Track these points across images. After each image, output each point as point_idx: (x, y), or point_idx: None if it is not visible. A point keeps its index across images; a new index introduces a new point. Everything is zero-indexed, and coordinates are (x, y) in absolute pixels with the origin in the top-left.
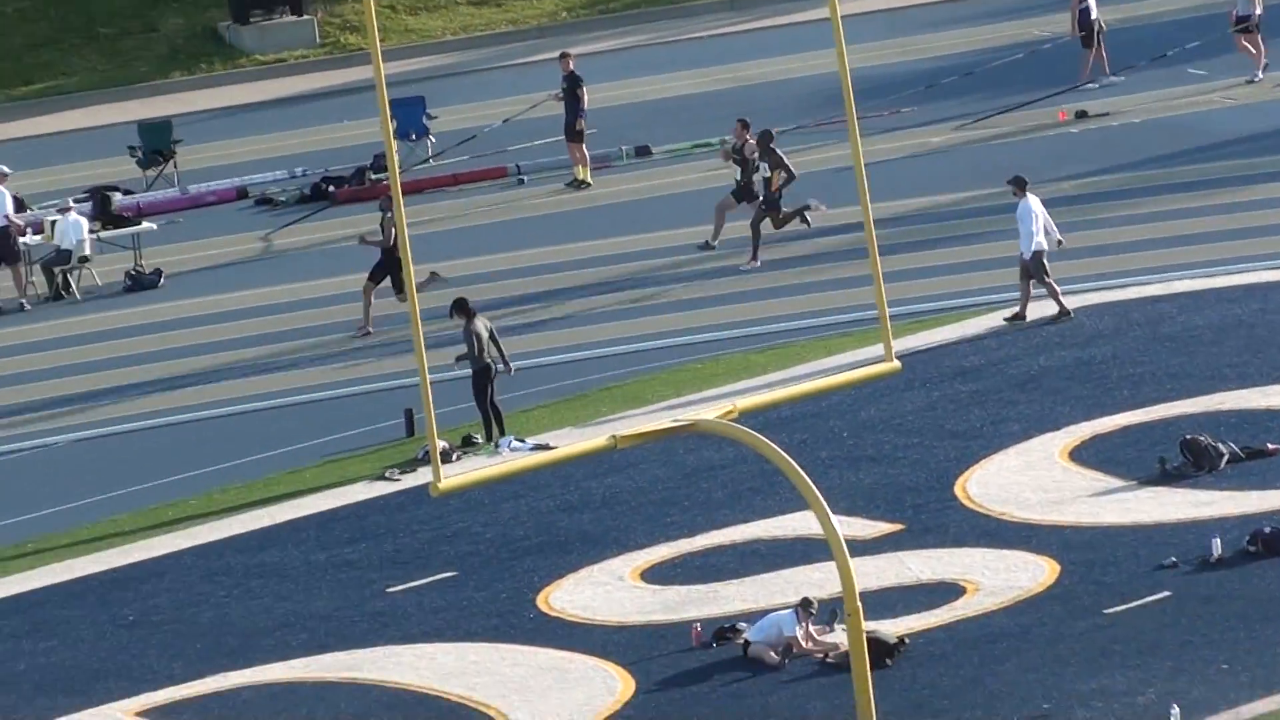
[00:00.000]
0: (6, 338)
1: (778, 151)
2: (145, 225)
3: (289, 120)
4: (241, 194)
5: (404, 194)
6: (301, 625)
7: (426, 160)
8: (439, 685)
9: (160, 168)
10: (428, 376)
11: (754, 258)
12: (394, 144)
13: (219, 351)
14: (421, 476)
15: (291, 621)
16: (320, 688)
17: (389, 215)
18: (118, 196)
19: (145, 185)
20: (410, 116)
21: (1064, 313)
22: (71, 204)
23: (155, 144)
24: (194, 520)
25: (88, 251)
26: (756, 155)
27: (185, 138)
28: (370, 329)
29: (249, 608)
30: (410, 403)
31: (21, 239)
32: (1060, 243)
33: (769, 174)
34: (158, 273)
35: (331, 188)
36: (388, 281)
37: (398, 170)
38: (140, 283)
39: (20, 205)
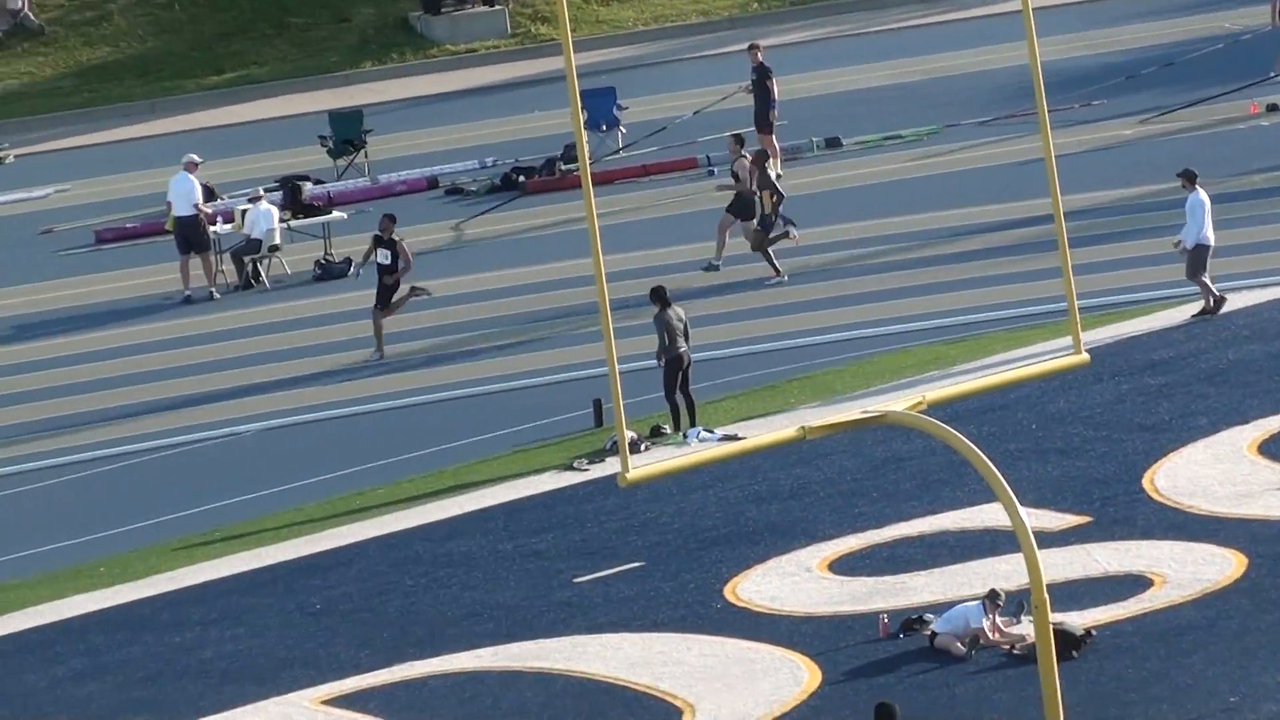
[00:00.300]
0: (197, 326)
1: (769, 173)
2: (335, 214)
3: (479, 110)
4: (432, 184)
5: (594, 184)
6: (488, 615)
7: (617, 151)
8: (625, 675)
9: (351, 157)
10: (616, 367)
11: (780, 274)
12: (584, 134)
13: (407, 341)
14: (609, 467)
15: (478, 611)
16: (507, 677)
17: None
18: (308, 186)
19: (336, 175)
20: (601, 107)
21: (1208, 310)
22: (262, 193)
23: (346, 133)
24: (382, 509)
25: (278, 240)
26: (752, 175)
27: (376, 127)
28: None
29: (436, 597)
30: (599, 393)
31: (212, 228)
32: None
33: (758, 193)
34: (347, 262)
35: (522, 178)
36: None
37: (588, 161)
38: (330, 272)
39: (211, 194)
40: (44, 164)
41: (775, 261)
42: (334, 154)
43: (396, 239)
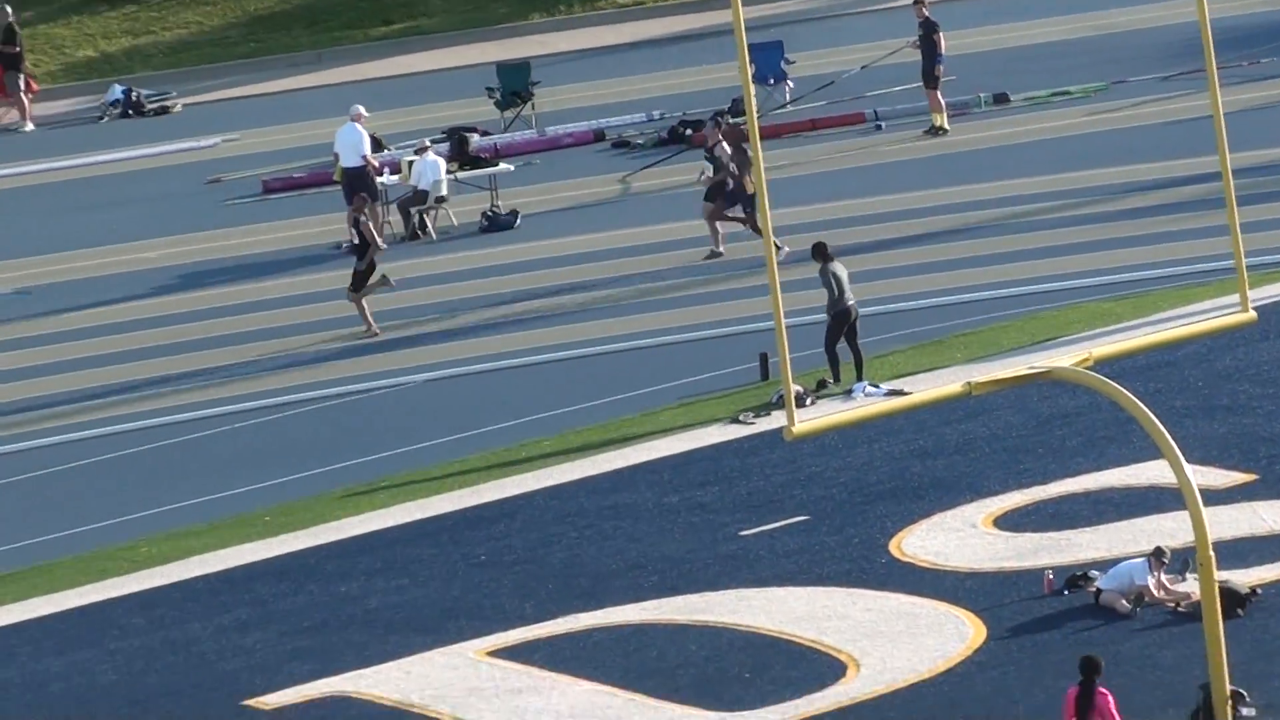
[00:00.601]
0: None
1: (747, 151)
2: (502, 166)
3: (647, 63)
4: (598, 136)
5: (762, 139)
6: (653, 567)
7: (784, 105)
8: (790, 629)
9: (518, 109)
10: (783, 321)
11: (718, 247)
12: (752, 88)
13: (574, 293)
14: (775, 420)
15: (643, 563)
16: (671, 630)
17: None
18: (475, 137)
19: (503, 126)
20: (769, 61)
21: None
22: (428, 144)
23: (513, 85)
24: (547, 461)
25: (444, 192)
26: (728, 154)
27: (543, 79)
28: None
29: (601, 549)
30: (765, 346)
31: (379, 179)
32: None
33: (738, 172)
34: (514, 214)
35: (689, 131)
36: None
37: (755, 115)
38: (496, 223)
39: (378, 145)
40: (211, 114)
41: (719, 235)
42: (501, 106)
43: (362, 219)
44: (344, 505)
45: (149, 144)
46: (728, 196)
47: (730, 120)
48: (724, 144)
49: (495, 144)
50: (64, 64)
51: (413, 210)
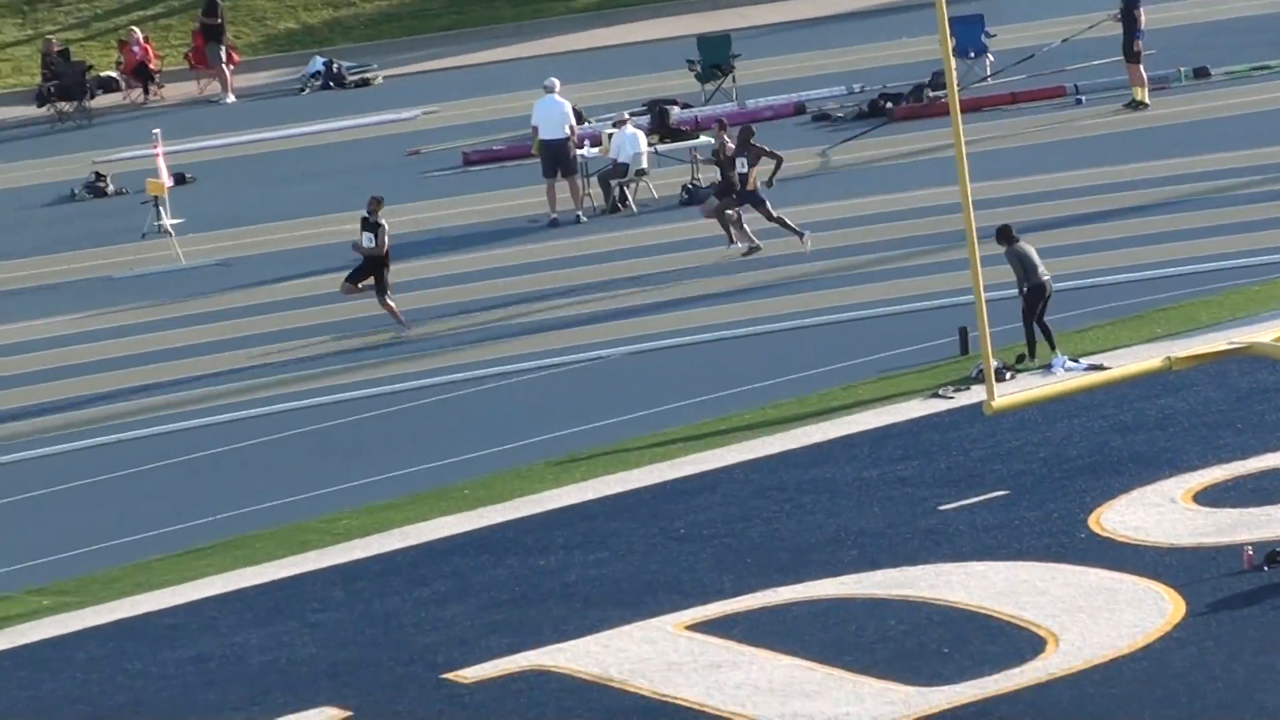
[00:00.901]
0: (563, 249)
1: (758, 145)
2: (702, 139)
3: (847, 36)
4: (799, 109)
5: (962, 112)
6: (852, 542)
7: (984, 79)
8: (989, 604)
9: (718, 82)
10: (983, 295)
11: (735, 243)
12: (952, 61)
13: (772, 267)
14: (975, 395)
15: (842, 538)
16: (870, 604)
17: (383, 226)
18: (675, 110)
19: (703, 99)
20: (969, 34)
21: None
22: (628, 117)
23: (714, 58)
24: (747, 434)
25: (645, 165)
26: (733, 154)
27: (743, 52)
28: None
29: (800, 523)
30: (965, 321)
31: (579, 151)
32: None
33: (745, 170)
34: (713, 186)
35: (889, 104)
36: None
37: (956, 88)
38: (696, 197)
39: (579, 118)
40: (411, 86)
41: (732, 231)
42: (702, 78)
43: (381, 222)
44: (543, 478)
45: (349, 116)
46: (740, 197)
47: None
48: (728, 142)
49: (696, 117)
50: (265, 36)
51: (613, 183)
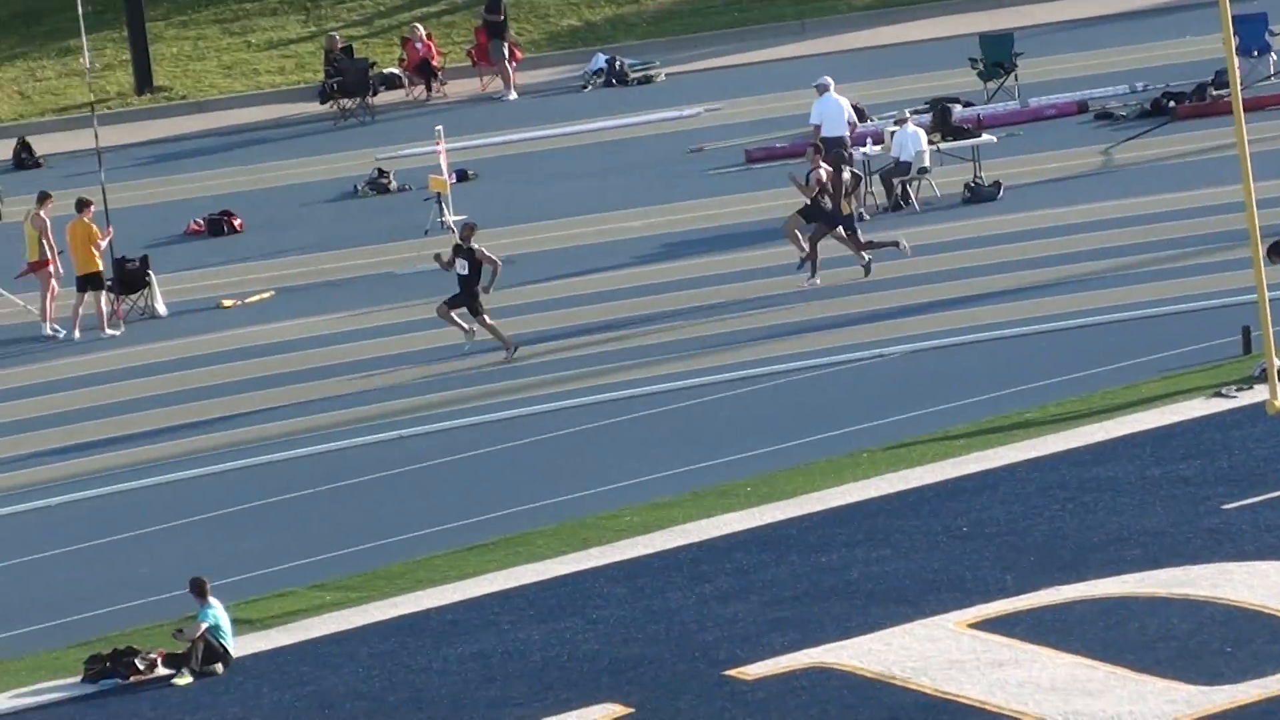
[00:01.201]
0: (843, 247)
1: (843, 173)
2: (985, 138)
3: (1130, 34)
4: (1081, 108)
5: (1245, 110)
6: (1135, 541)
7: (1268, 77)
8: (1273, 604)
9: (1001, 80)
10: (1266, 294)
11: (813, 275)
12: (1235, 60)
13: (1056, 265)
14: (1258, 394)
15: (1125, 536)
16: (1152, 603)
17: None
18: (957, 108)
19: (985, 98)
20: (1252, 33)
21: None
22: (909, 115)
23: (996, 56)
24: (1029, 432)
25: (926, 163)
26: (827, 180)
27: (1025, 50)
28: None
29: (1082, 522)
30: (1247, 320)
31: (860, 149)
32: None
33: (832, 192)
34: (996, 185)
35: (1172, 103)
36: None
37: (1239, 87)
38: (979, 195)
39: (861, 115)
40: (693, 83)
41: (818, 266)
42: (984, 76)
43: (476, 246)
44: (825, 476)
45: (631, 113)
46: (827, 218)
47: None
48: (822, 167)
49: (978, 115)
50: (548, 33)
51: (895, 181)
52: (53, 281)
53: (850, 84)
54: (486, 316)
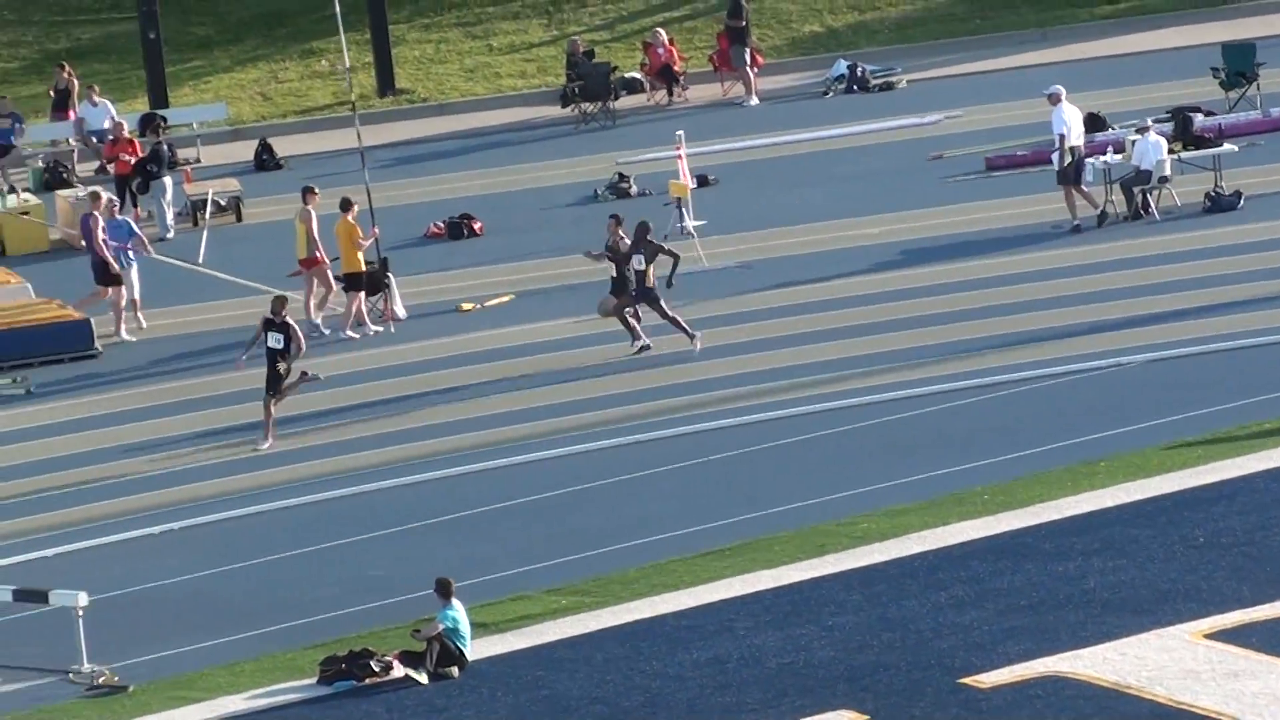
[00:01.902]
0: (1084, 256)
1: (654, 242)
2: (1226, 147)
3: None
4: None
5: None
6: None
7: None
8: None
9: (1243, 89)
10: None
11: (637, 339)
12: None
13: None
14: None
15: None
16: None
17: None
18: (1198, 118)
19: (1227, 107)
20: None
21: None
22: (1150, 124)
23: (1239, 65)
24: (1265, 442)
25: (1167, 172)
26: (629, 250)
27: (1268, 60)
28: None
29: None
30: None
31: (1101, 158)
32: None
33: (643, 267)
34: (1237, 195)
35: None
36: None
37: None
38: (1219, 204)
39: (1100, 124)
40: (934, 90)
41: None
42: (1226, 86)
43: (289, 321)
44: (1062, 485)
45: (871, 120)
46: (637, 295)
47: None
48: (626, 240)
49: (1220, 124)
50: (789, 39)
51: (1135, 190)
52: (329, 277)
53: (1091, 92)
54: (279, 401)
